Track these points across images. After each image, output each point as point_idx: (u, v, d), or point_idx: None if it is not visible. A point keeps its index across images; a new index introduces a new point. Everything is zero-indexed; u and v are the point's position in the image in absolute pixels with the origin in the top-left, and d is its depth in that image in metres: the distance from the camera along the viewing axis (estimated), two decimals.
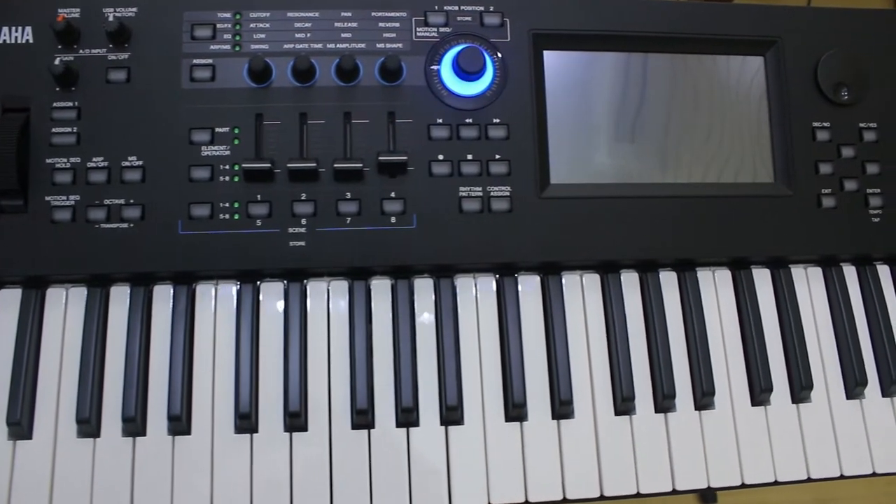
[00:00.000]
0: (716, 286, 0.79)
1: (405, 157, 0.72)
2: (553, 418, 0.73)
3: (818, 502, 1.45)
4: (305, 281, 0.75)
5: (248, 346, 0.71)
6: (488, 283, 0.76)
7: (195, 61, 0.74)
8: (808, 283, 0.81)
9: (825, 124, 0.81)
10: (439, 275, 0.75)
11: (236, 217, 0.72)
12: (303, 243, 0.72)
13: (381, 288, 0.75)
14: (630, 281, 0.78)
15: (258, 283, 0.74)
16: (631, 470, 0.73)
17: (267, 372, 0.72)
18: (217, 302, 0.73)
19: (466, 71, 0.73)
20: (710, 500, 1.45)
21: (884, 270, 0.83)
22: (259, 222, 0.72)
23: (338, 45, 0.75)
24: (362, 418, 0.71)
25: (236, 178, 0.72)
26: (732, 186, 0.79)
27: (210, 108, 0.73)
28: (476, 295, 0.75)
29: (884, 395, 0.79)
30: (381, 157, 0.72)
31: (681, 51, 0.80)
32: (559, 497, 0.71)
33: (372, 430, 0.71)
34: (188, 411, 0.70)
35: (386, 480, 0.70)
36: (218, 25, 0.74)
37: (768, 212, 0.79)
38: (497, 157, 0.75)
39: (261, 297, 0.74)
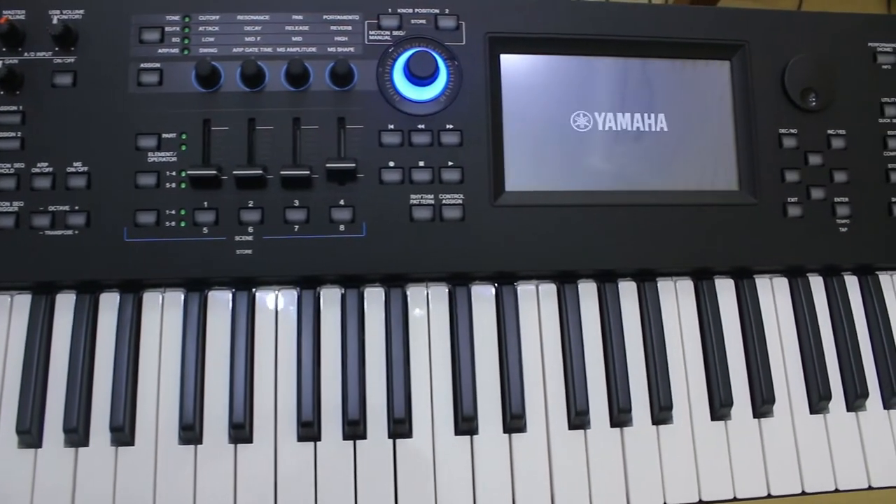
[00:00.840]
0: (677, 297, 0.77)
1: (353, 164, 0.70)
2: (504, 432, 0.72)
3: None
4: (254, 290, 0.73)
5: (192, 355, 0.70)
6: (441, 293, 0.74)
7: (143, 65, 0.72)
8: (774, 294, 0.79)
9: (792, 131, 0.78)
10: (390, 284, 0.73)
11: (182, 224, 0.71)
12: (249, 251, 0.71)
13: (330, 297, 0.73)
14: (588, 291, 0.76)
15: (206, 291, 0.72)
16: (585, 486, 0.71)
17: (213, 382, 0.71)
18: (164, 310, 0.72)
19: (417, 75, 0.71)
20: None
21: (852, 281, 0.81)
22: (205, 230, 0.71)
23: (288, 49, 0.73)
24: (308, 430, 0.69)
25: (183, 185, 0.71)
26: (695, 194, 0.77)
27: (157, 113, 0.72)
28: (428, 305, 0.74)
29: (849, 410, 0.77)
30: (328, 164, 0.71)
31: (643, 55, 0.78)
32: None
33: (318, 443, 0.70)
34: (132, 422, 0.69)
35: (332, 493, 0.68)
36: (166, 29, 0.73)
37: (732, 221, 0.77)
38: (450, 163, 0.73)
39: (208, 306, 0.72)
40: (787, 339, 0.78)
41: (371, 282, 0.74)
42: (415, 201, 0.72)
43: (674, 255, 0.76)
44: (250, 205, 0.71)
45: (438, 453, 0.71)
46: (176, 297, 0.72)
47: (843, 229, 0.78)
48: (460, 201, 0.73)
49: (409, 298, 0.74)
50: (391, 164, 0.73)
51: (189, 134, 0.72)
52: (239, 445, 0.69)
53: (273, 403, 0.71)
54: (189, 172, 0.70)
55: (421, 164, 0.73)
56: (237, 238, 0.71)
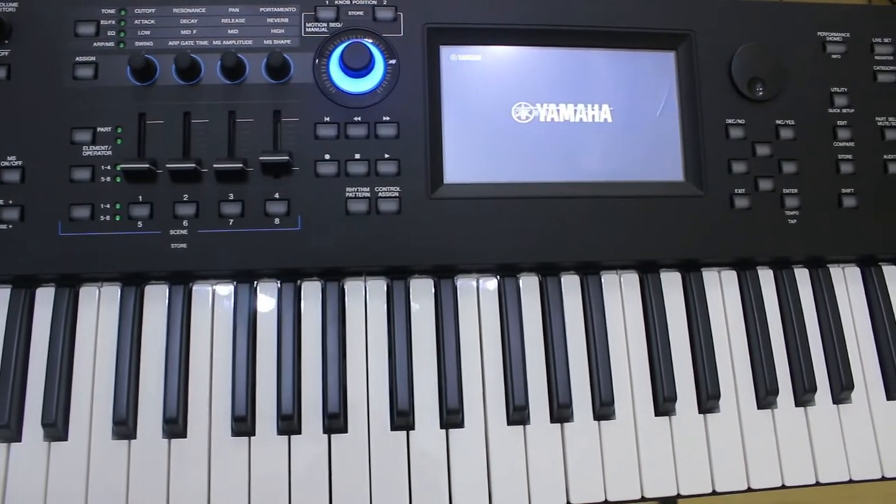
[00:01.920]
0: (621, 290, 0.76)
1: (287, 157, 0.70)
2: (441, 427, 0.71)
3: None
4: (191, 284, 0.72)
5: (127, 349, 0.70)
6: (379, 287, 0.73)
7: (78, 59, 0.72)
8: (722, 287, 0.78)
9: (739, 121, 0.77)
10: (327, 278, 0.73)
11: (117, 218, 0.70)
12: (184, 245, 0.70)
13: (267, 291, 0.72)
14: (530, 285, 0.75)
15: (143, 285, 0.72)
16: (523, 481, 0.70)
17: (147, 377, 0.70)
18: (100, 305, 0.72)
19: (351, 67, 0.71)
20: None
21: (802, 274, 0.79)
22: (140, 224, 0.70)
23: (224, 42, 0.73)
24: (241, 425, 0.69)
25: (118, 179, 0.71)
26: (640, 186, 0.76)
27: (92, 106, 0.71)
28: (365, 299, 0.73)
29: (797, 405, 0.76)
30: (262, 157, 0.70)
31: (587, 45, 0.77)
32: None
33: (252, 438, 0.69)
34: (66, 417, 0.69)
35: (265, 490, 0.68)
36: (102, 22, 0.73)
37: (678, 212, 0.75)
38: (386, 156, 0.72)
39: (144, 300, 0.72)
40: (735, 333, 0.77)
41: (308, 275, 0.73)
42: (350, 194, 0.72)
43: (618, 247, 0.75)
44: (185, 199, 0.71)
45: (374, 449, 0.70)
46: (112, 292, 0.72)
47: (793, 221, 0.77)
48: (397, 194, 0.72)
49: (346, 293, 0.73)
50: (327, 156, 0.72)
51: (124, 128, 0.71)
52: (173, 440, 0.68)
53: (208, 398, 0.70)
54: (123, 166, 0.69)
55: (357, 156, 0.72)
56: (172, 232, 0.70)
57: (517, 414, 0.71)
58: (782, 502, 1.42)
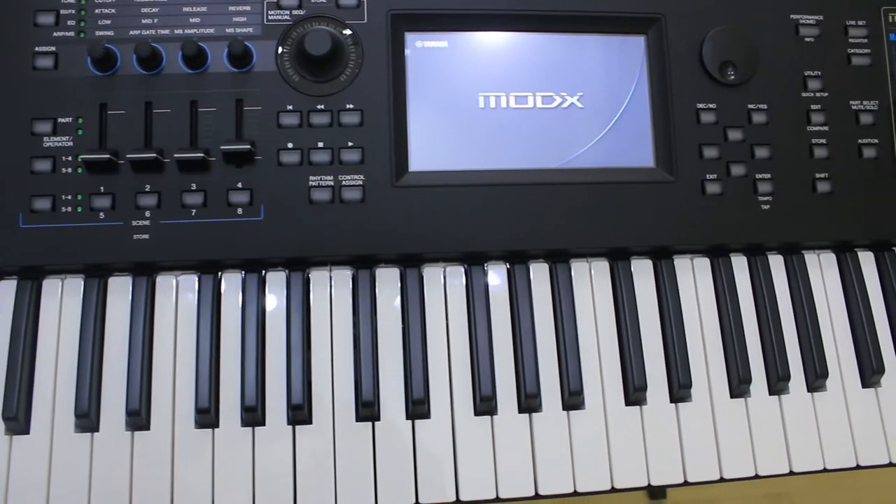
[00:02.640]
0: (591, 278, 0.75)
1: (248, 146, 0.69)
2: (407, 418, 0.70)
3: (769, 497, 1.40)
4: (156, 275, 0.72)
5: (90, 342, 0.69)
6: (344, 277, 0.72)
7: (38, 48, 0.71)
8: (694, 274, 0.77)
9: (711, 105, 0.76)
10: (292, 268, 0.72)
11: (79, 210, 0.70)
12: (146, 236, 0.69)
13: (230, 281, 0.72)
14: (497, 274, 0.74)
15: (106, 277, 0.71)
16: (490, 471, 0.70)
17: (111, 369, 0.69)
18: (63, 297, 0.71)
19: (313, 55, 0.70)
20: (659, 496, 1.40)
21: (776, 260, 0.78)
22: (102, 215, 0.70)
23: (186, 31, 0.72)
24: (205, 417, 0.68)
25: (79, 170, 0.70)
26: (610, 172, 0.75)
27: (53, 97, 0.71)
28: (330, 289, 0.72)
29: (771, 394, 0.75)
30: (223, 147, 0.69)
31: (556, 30, 0.76)
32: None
33: (216, 430, 0.68)
34: (27, 410, 0.68)
35: (228, 481, 0.67)
36: (62, 11, 0.72)
37: (649, 199, 0.74)
38: (350, 144, 0.71)
39: (108, 292, 0.71)
40: (708, 321, 0.76)
41: (273, 266, 0.72)
42: (314, 183, 0.71)
43: (587, 235, 0.74)
44: (147, 189, 0.70)
45: (339, 440, 0.69)
46: (75, 284, 0.71)
47: (766, 207, 0.76)
48: (360, 182, 0.71)
49: (311, 283, 0.72)
50: (290, 145, 0.71)
51: (85, 118, 0.71)
52: (136, 433, 0.68)
53: (171, 390, 0.69)
54: (84, 157, 0.69)
55: (320, 145, 0.71)
56: (134, 223, 0.70)
57: (484, 404, 0.70)
58: (770, 493, 1.41)
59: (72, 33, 0.72)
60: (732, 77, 0.76)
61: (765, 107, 0.77)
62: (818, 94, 0.78)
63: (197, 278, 0.72)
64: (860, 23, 0.79)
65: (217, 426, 0.69)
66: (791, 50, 0.78)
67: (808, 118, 0.77)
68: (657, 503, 1.41)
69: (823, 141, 0.77)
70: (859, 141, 0.78)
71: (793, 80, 0.78)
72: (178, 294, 0.71)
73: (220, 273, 0.72)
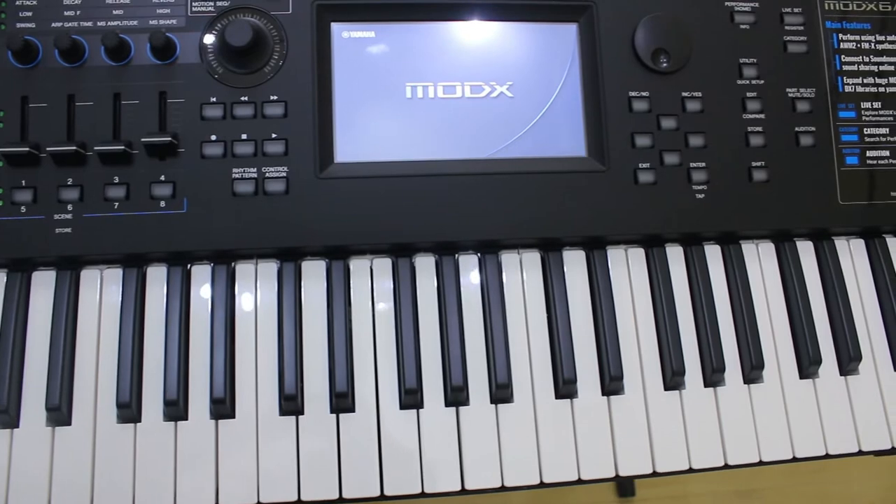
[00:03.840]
0: (522, 269, 0.74)
1: (169, 139, 0.68)
2: (331, 412, 0.69)
3: (739, 494, 1.39)
4: (81, 269, 0.71)
5: (11, 336, 0.69)
6: (270, 270, 0.72)
7: None
8: (629, 265, 0.76)
9: (643, 94, 0.75)
10: (217, 261, 0.71)
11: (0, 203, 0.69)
12: (69, 230, 0.69)
13: (155, 275, 0.71)
14: (425, 266, 0.73)
15: (31, 271, 0.71)
16: (456, 462, 0.69)
17: (33, 363, 0.69)
18: None
19: (234, 46, 0.69)
20: (628, 494, 1.39)
21: (713, 251, 0.77)
22: (23, 209, 0.69)
23: (109, 23, 0.72)
24: (126, 413, 0.67)
25: (0, 164, 0.69)
26: (540, 162, 0.74)
27: None
28: (256, 282, 0.71)
29: (706, 386, 0.74)
30: (144, 139, 0.69)
31: (485, 18, 0.75)
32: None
33: (138, 425, 0.68)
34: None
35: (149, 477, 0.66)
36: None
37: (581, 189, 0.73)
38: (273, 136, 0.71)
39: (32, 287, 0.70)
40: (642, 311, 0.75)
41: (199, 259, 0.72)
42: (237, 175, 0.70)
43: (518, 225, 0.73)
44: (69, 182, 0.69)
45: (261, 433, 0.68)
46: None
47: (701, 196, 0.75)
48: (284, 174, 0.70)
49: (236, 275, 0.72)
50: (213, 137, 0.71)
51: (6, 111, 0.70)
52: (56, 429, 0.67)
53: (94, 385, 0.69)
54: (4, 150, 0.68)
55: (244, 136, 0.71)
56: (56, 217, 0.69)
57: (409, 398, 0.69)
58: (739, 489, 1.40)
59: None
60: (665, 65, 0.75)
61: (699, 94, 0.76)
62: (754, 82, 0.77)
63: (121, 272, 0.71)
64: (796, 10, 0.78)
65: (139, 421, 0.68)
66: (726, 37, 0.77)
67: (743, 106, 0.76)
68: (626, 501, 1.40)
69: (759, 129, 0.76)
70: (796, 129, 0.77)
71: (728, 67, 0.77)
72: (102, 288, 0.71)
73: (144, 266, 0.71)
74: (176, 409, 0.68)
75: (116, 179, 0.70)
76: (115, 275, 0.71)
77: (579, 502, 1.38)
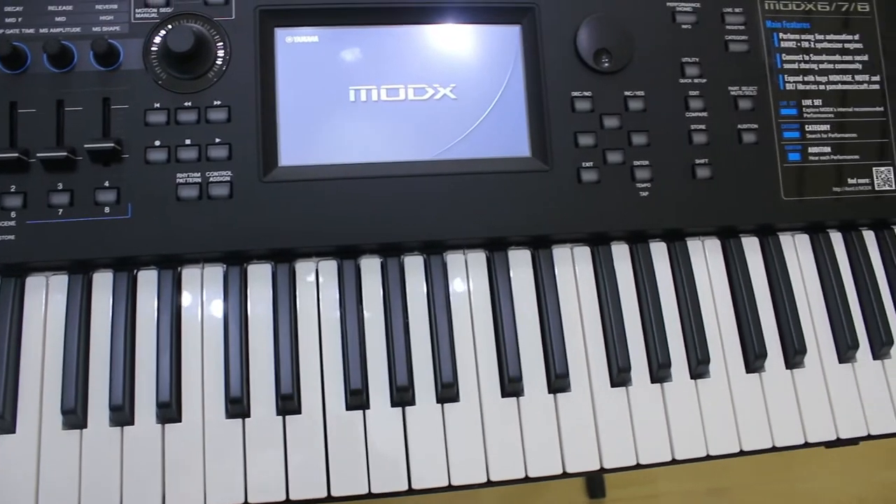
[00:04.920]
0: (467, 269, 0.75)
1: (112, 144, 0.69)
2: (278, 414, 0.70)
3: (710, 492, 1.40)
4: (27, 276, 0.71)
5: None
6: (216, 274, 0.72)
7: None
8: (574, 263, 0.76)
9: (586, 93, 0.76)
10: (162, 266, 0.71)
11: None
12: (12, 237, 0.69)
13: (100, 281, 0.71)
14: (371, 267, 0.74)
15: None
16: (362, 465, 0.69)
17: None
18: None
19: (176, 52, 0.69)
20: (599, 494, 1.40)
21: (659, 248, 0.78)
22: None
23: (52, 30, 0.72)
24: (72, 419, 0.68)
25: None
26: (484, 162, 0.74)
27: None
28: (202, 286, 0.72)
29: (653, 382, 0.75)
30: (87, 145, 0.69)
31: (429, 22, 0.76)
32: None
33: (84, 430, 0.68)
34: None
35: (95, 483, 0.66)
36: None
37: (525, 188, 0.74)
38: (217, 140, 0.71)
39: None
40: (588, 310, 0.75)
41: (144, 264, 0.72)
42: (181, 180, 0.71)
43: (463, 226, 0.73)
44: (12, 189, 0.70)
45: (208, 437, 0.69)
46: None
47: (645, 194, 0.75)
48: (228, 178, 0.71)
49: (182, 280, 0.72)
50: (157, 143, 0.71)
51: None
52: (1, 437, 0.67)
53: (39, 392, 0.69)
54: None
55: (188, 142, 0.71)
56: None
57: (354, 399, 0.70)
58: (711, 487, 1.41)
59: None
60: (607, 65, 0.76)
61: (641, 94, 0.77)
62: (696, 81, 0.78)
63: (67, 279, 0.71)
64: (737, 10, 0.79)
65: (85, 427, 0.68)
66: (668, 37, 0.78)
67: (686, 104, 0.77)
68: (597, 501, 1.41)
69: (702, 127, 0.77)
70: (739, 126, 0.78)
71: (670, 66, 0.78)
72: (47, 295, 0.71)
73: (91, 273, 0.71)
74: (122, 415, 0.68)
75: (60, 186, 0.70)
76: (60, 281, 0.71)
77: (550, 503, 1.39)
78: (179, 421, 0.69)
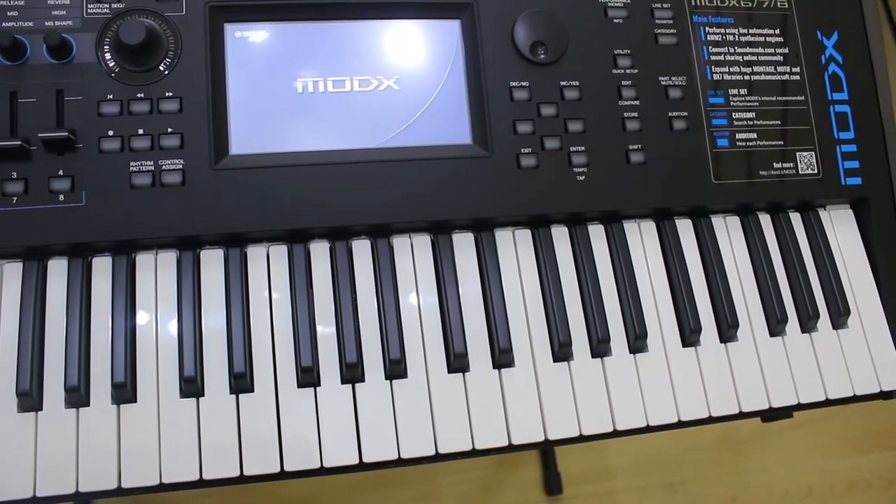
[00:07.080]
0: (413, 252, 0.78)
1: (65, 134, 0.71)
2: (231, 392, 0.72)
3: (666, 486, 1.43)
4: None
5: None
6: (169, 259, 0.74)
7: None
8: (516, 246, 0.80)
9: (524, 84, 0.80)
10: (116, 252, 0.74)
11: None
12: None
13: (55, 268, 0.73)
14: (320, 250, 0.76)
15: None
16: (315, 445, 0.71)
17: None
18: None
19: (128, 45, 0.72)
20: (556, 492, 1.42)
21: (597, 230, 0.82)
22: None
23: (4, 24, 0.74)
24: (27, 401, 0.69)
25: None
26: (426, 149, 0.78)
27: None
28: (156, 271, 0.74)
29: (594, 356, 0.78)
30: (41, 135, 0.71)
31: (372, 17, 0.79)
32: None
33: (39, 413, 0.69)
34: None
35: (50, 466, 0.68)
36: None
37: (466, 174, 0.78)
38: (169, 130, 0.74)
39: None
40: (530, 290, 0.79)
41: (99, 251, 0.74)
42: (134, 168, 0.73)
43: (407, 209, 0.76)
44: None
45: (163, 417, 0.70)
46: None
47: (581, 178, 0.79)
48: (180, 166, 0.73)
49: (137, 266, 0.74)
50: (110, 133, 0.73)
51: None
52: None
53: None
54: None
55: (140, 131, 0.73)
56: None
57: (305, 376, 0.72)
58: (665, 482, 1.45)
59: None
60: (543, 56, 0.80)
61: (576, 83, 0.81)
62: (628, 71, 0.82)
63: (21, 265, 0.73)
64: (665, 5, 0.84)
65: (40, 409, 0.69)
66: (600, 30, 0.82)
67: (619, 93, 0.81)
68: (554, 499, 1.43)
69: (635, 115, 0.81)
70: (670, 114, 0.82)
71: (603, 58, 0.82)
72: (1, 282, 0.72)
73: (46, 259, 0.73)
74: (77, 396, 0.69)
75: (14, 175, 0.72)
76: (15, 268, 0.73)
77: (507, 502, 1.41)
78: (135, 402, 0.71)
